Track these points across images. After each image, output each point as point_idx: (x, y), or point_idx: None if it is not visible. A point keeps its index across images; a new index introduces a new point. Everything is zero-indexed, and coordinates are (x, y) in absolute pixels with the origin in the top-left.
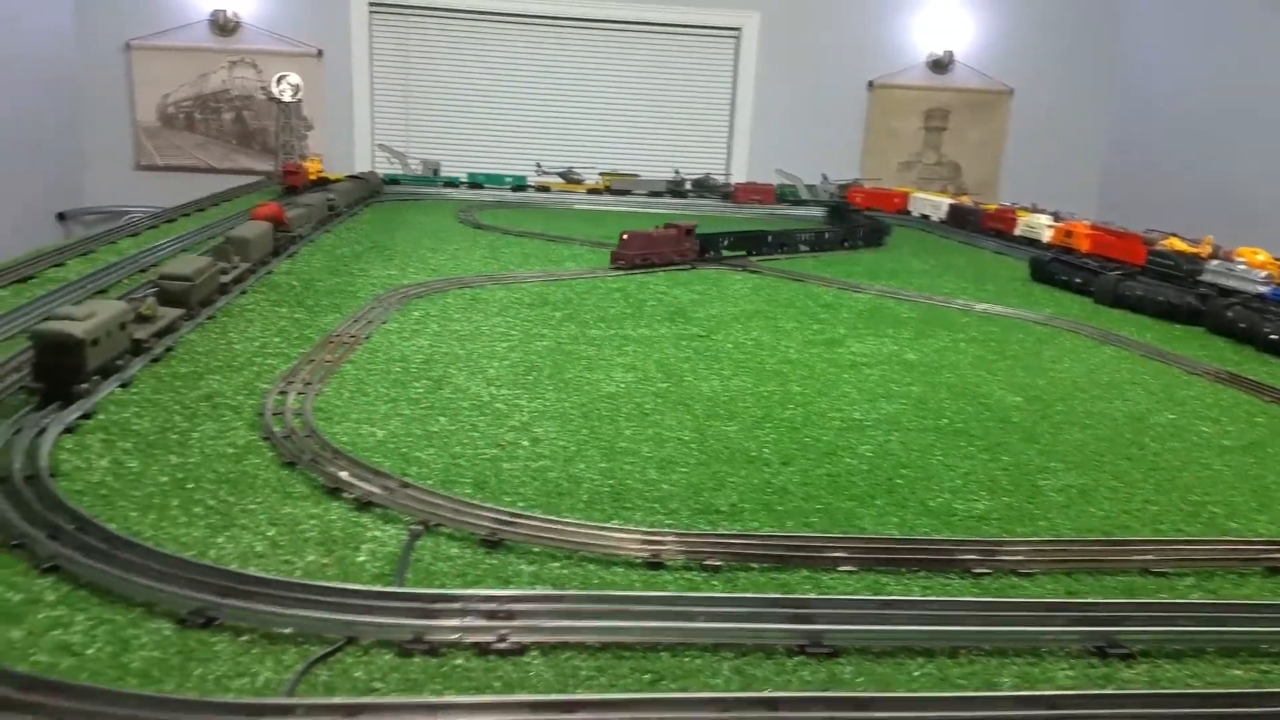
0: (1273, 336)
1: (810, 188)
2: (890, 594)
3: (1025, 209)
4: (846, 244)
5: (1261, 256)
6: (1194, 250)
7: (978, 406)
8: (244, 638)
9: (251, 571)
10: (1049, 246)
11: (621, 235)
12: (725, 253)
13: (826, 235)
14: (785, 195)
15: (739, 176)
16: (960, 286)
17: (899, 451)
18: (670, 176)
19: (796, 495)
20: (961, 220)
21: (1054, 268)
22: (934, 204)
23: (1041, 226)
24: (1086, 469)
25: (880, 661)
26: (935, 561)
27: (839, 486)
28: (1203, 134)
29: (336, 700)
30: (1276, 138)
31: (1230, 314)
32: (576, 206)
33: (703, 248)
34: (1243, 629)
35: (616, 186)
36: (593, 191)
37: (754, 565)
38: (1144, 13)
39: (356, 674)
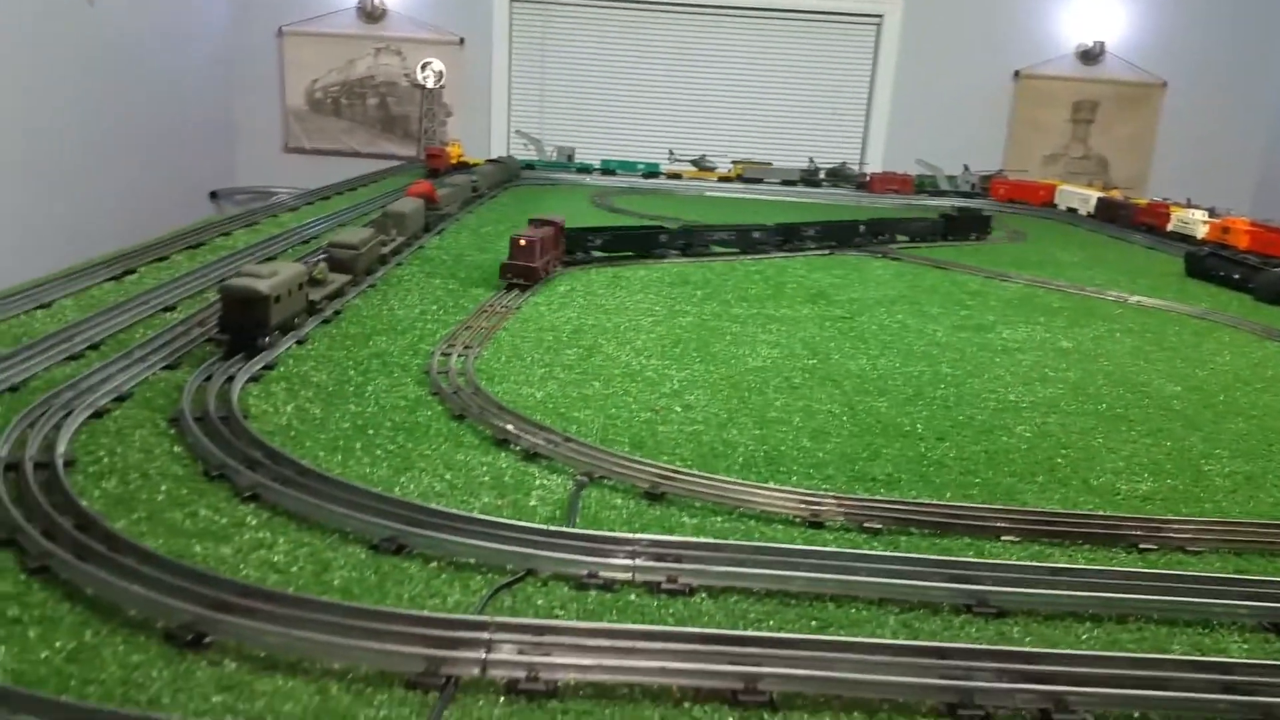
0: None
1: (951, 179)
2: (1055, 564)
3: (1179, 204)
4: (787, 245)
5: None
6: None
7: (1137, 394)
8: (433, 564)
9: (436, 506)
10: (1203, 242)
11: (517, 240)
12: (600, 253)
13: (756, 235)
14: (924, 185)
15: (875, 166)
16: (1112, 279)
17: (1058, 433)
18: (804, 165)
19: (953, 469)
20: (1111, 214)
21: (1211, 263)
22: (1082, 197)
23: (1196, 222)
24: (1253, 457)
25: (1048, 624)
26: (1100, 536)
27: (997, 463)
28: None
29: (525, 620)
30: None
31: None
32: (708, 194)
33: (569, 248)
34: None
35: (749, 175)
36: (724, 180)
37: (914, 530)
38: None
39: (538, 601)
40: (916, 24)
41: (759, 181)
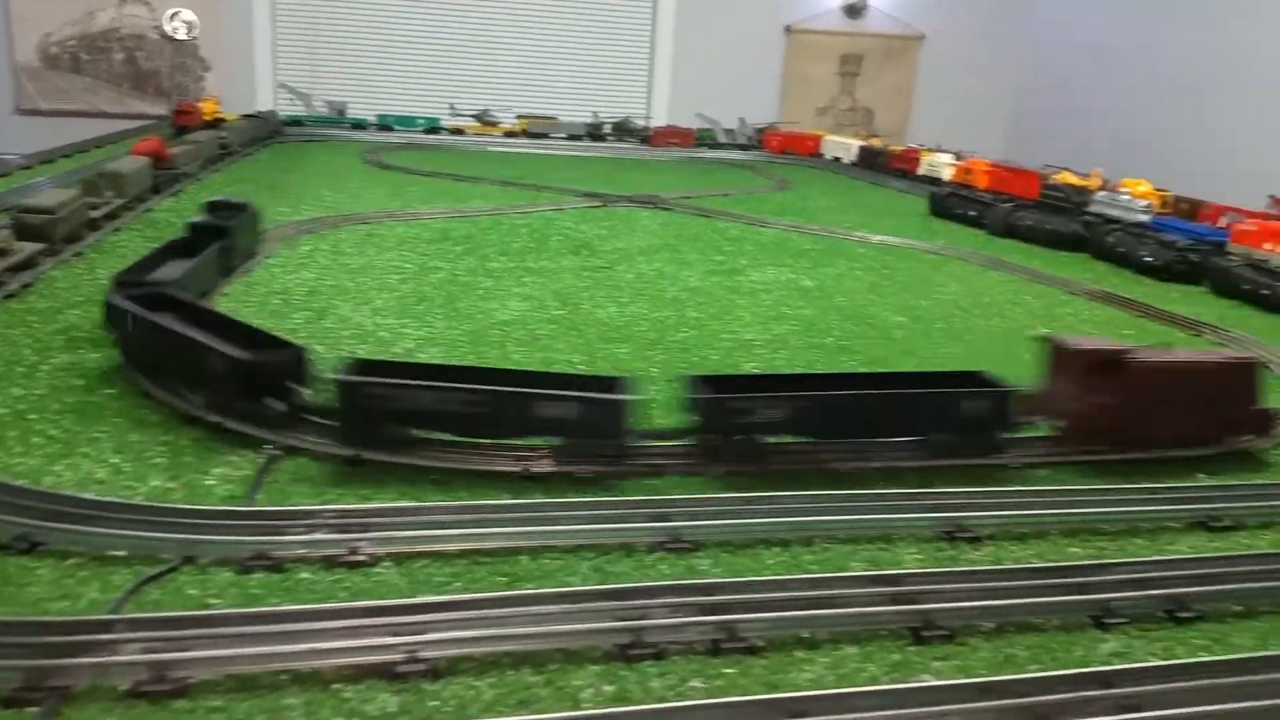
0: (1147, 259)
1: (729, 131)
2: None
3: (929, 149)
4: None
5: (1144, 187)
6: (1083, 183)
7: (864, 326)
8: (70, 561)
9: (86, 495)
10: (950, 184)
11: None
12: None
13: None
14: (704, 139)
15: (659, 120)
16: (863, 221)
17: (784, 367)
18: (589, 120)
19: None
20: (870, 161)
21: (951, 202)
22: (845, 146)
23: (943, 165)
24: None
25: (737, 553)
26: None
27: None
28: (1105, 78)
29: (163, 614)
30: (1171, 79)
31: (1111, 240)
32: (491, 149)
33: None
34: (1086, 510)
35: (534, 129)
36: (509, 135)
37: (626, 476)
38: None
39: (191, 591)
40: None
41: (545, 136)
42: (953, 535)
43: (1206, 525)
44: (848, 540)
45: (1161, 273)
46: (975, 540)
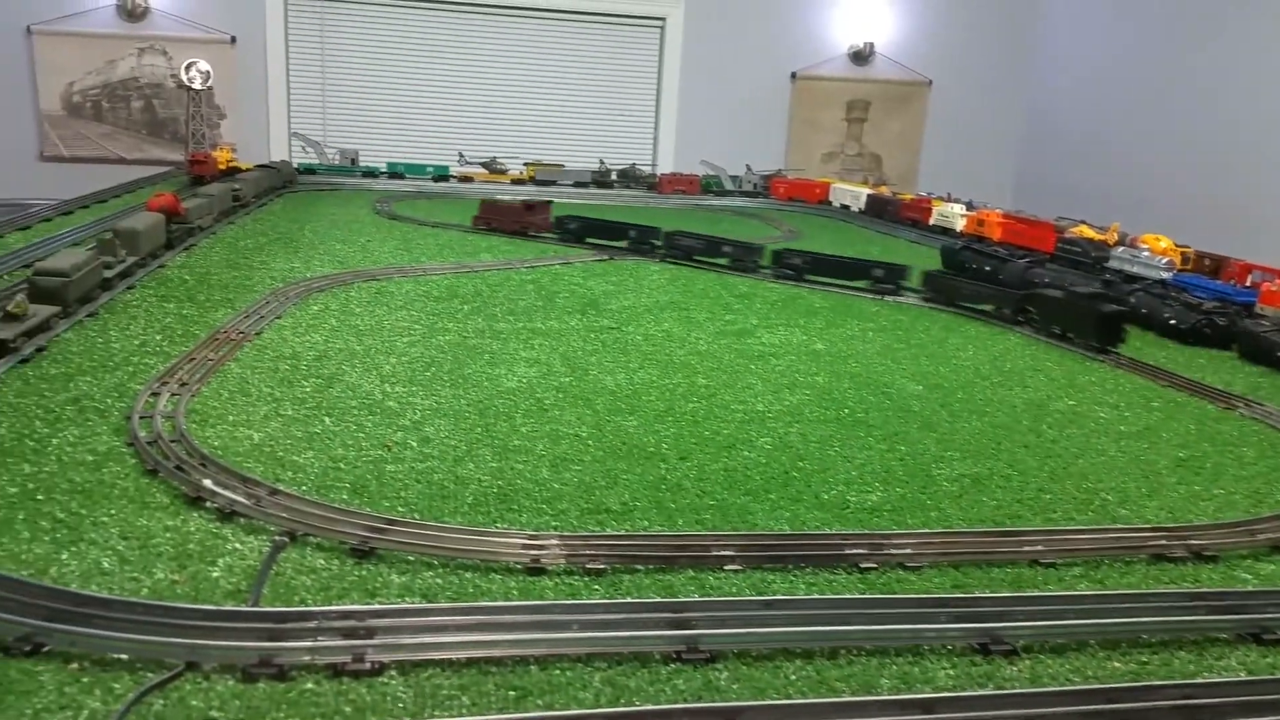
0: (1171, 321)
1: (735, 178)
2: (775, 592)
3: (940, 199)
4: None
5: (1164, 243)
6: (1101, 237)
7: (879, 396)
8: (73, 665)
9: (89, 592)
10: (962, 235)
11: None
12: None
13: None
14: (710, 186)
15: (665, 167)
16: None
17: (798, 443)
18: (595, 167)
19: (691, 491)
20: (879, 210)
21: (964, 256)
22: (853, 194)
23: (955, 216)
24: (982, 457)
25: (758, 665)
26: (823, 557)
27: (734, 481)
28: (1114, 125)
29: None
30: (1182, 129)
31: (1133, 299)
32: (500, 197)
33: None
34: (1124, 620)
35: (541, 177)
36: (517, 182)
37: (639, 567)
38: (1061, 9)
39: (194, 703)
40: (697, 27)
41: (552, 184)
42: (986, 648)
43: (1258, 638)
44: (876, 652)
45: (1186, 336)
46: (1011, 653)
